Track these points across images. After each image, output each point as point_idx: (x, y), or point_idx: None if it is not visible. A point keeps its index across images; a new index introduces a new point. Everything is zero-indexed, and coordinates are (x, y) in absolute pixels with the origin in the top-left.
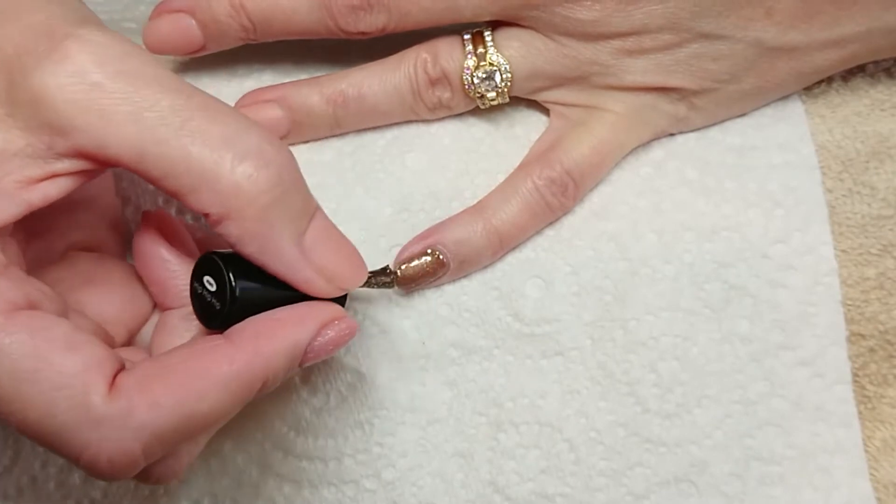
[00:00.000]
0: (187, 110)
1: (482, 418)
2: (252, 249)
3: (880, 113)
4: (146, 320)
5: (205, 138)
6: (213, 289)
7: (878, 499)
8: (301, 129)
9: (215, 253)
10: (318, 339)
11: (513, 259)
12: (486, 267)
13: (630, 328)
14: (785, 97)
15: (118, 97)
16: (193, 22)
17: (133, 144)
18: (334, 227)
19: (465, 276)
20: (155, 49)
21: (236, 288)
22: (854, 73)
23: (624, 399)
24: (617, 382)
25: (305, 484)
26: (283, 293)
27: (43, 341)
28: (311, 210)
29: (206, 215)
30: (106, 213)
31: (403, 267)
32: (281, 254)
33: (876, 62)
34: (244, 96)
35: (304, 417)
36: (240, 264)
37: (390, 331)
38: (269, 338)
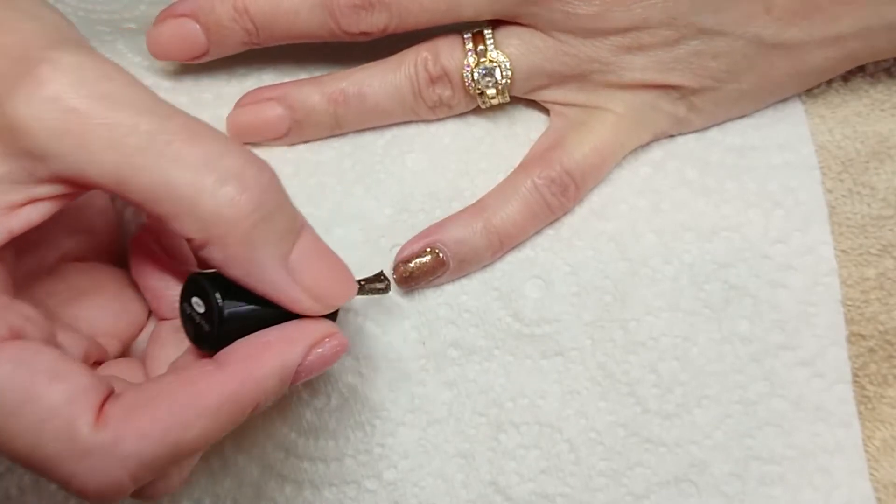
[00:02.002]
0: (166, 133)
1: (482, 419)
2: (237, 273)
3: (880, 113)
4: (140, 330)
5: (185, 163)
6: (202, 311)
7: (879, 499)
8: (301, 128)
9: (201, 274)
10: (309, 358)
11: (513, 259)
12: (485, 267)
13: (630, 328)
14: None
15: (96, 122)
16: (197, 27)
17: (112, 171)
18: (321, 243)
19: (464, 276)
20: (158, 55)
21: (223, 310)
22: (854, 73)
23: (624, 399)
24: (617, 383)
25: (307, 484)
26: (273, 311)
27: (27, 373)
28: (295, 229)
29: (190, 240)
30: (98, 220)
31: (403, 266)
32: (267, 276)
33: (876, 62)
34: (245, 95)
35: (305, 418)
36: (227, 284)
37: (390, 331)
38: (258, 361)
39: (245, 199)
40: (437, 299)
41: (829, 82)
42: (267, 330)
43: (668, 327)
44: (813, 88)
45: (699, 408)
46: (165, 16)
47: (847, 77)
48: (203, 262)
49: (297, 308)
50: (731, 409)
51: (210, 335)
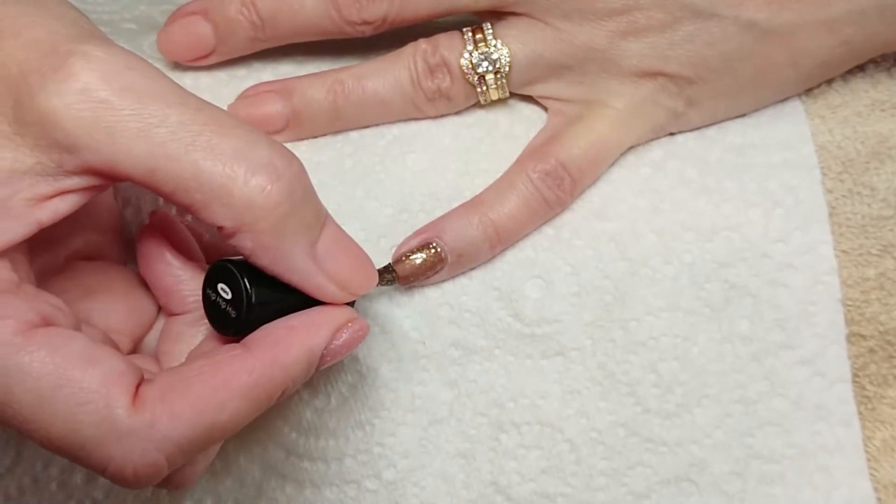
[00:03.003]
0: (197, 124)
1: (483, 418)
2: (266, 261)
3: (880, 113)
4: (150, 327)
5: (216, 153)
6: (228, 297)
7: (879, 499)
8: (300, 120)
9: (229, 261)
10: (333, 342)
11: (513, 259)
12: (486, 267)
13: (630, 328)
14: (784, 98)
15: (126, 114)
16: (206, 25)
17: (143, 161)
18: (345, 233)
19: (465, 276)
20: (168, 54)
21: (253, 296)
22: (854, 73)
23: (624, 399)
24: (617, 382)
25: (307, 484)
26: (296, 298)
27: (62, 358)
28: (322, 219)
29: (220, 228)
30: (105, 218)
31: (402, 262)
32: (294, 264)
33: (876, 62)
34: (248, 88)
35: (306, 418)
36: (253, 271)
37: (391, 331)
38: (286, 346)
39: (276, 189)
40: (437, 299)
41: (829, 82)
42: (291, 316)
43: (669, 327)
44: (813, 88)
45: (699, 407)
46: (176, 16)
47: (847, 77)
48: (225, 251)
49: (322, 296)
50: (732, 409)
51: (237, 321)
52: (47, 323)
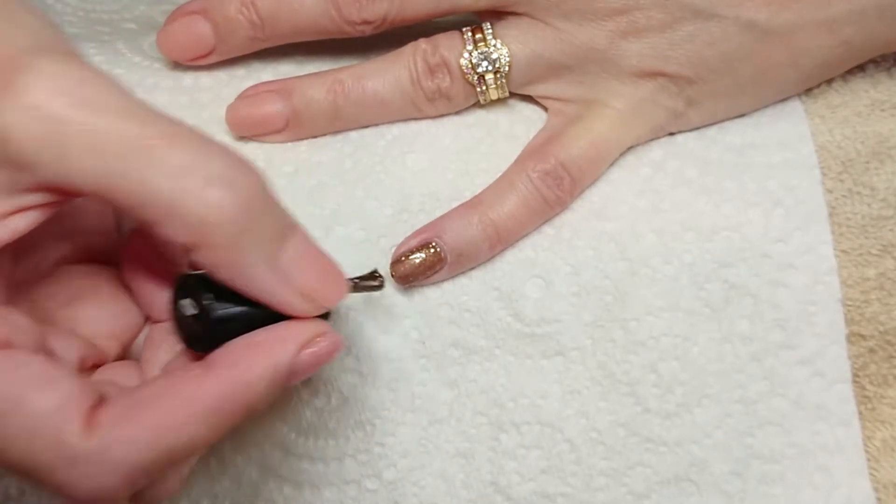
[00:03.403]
0: (148, 138)
1: (483, 418)
2: (226, 276)
3: (880, 113)
4: (139, 332)
5: (168, 167)
6: (193, 312)
7: (879, 499)
8: (300, 120)
9: (192, 275)
10: (301, 357)
11: (513, 259)
12: (486, 267)
13: (630, 328)
14: (784, 98)
15: (75, 129)
16: (206, 24)
17: (95, 177)
18: (312, 244)
19: (465, 276)
20: (168, 53)
21: (214, 311)
22: (854, 73)
23: (624, 399)
24: (617, 382)
25: (306, 484)
26: (265, 311)
27: (16, 381)
28: (284, 230)
29: (178, 244)
30: (94, 222)
31: (401, 262)
32: (256, 279)
33: (876, 62)
34: (248, 88)
35: (305, 418)
36: (219, 284)
37: (390, 331)
38: (248, 364)
39: (231, 203)
40: (437, 299)
41: (829, 82)
42: (258, 331)
43: (669, 327)
44: (813, 88)
45: (699, 407)
46: (176, 15)
47: (847, 77)
48: (194, 264)
49: (289, 310)
50: (732, 409)
51: (202, 337)
52: (4, 345)
